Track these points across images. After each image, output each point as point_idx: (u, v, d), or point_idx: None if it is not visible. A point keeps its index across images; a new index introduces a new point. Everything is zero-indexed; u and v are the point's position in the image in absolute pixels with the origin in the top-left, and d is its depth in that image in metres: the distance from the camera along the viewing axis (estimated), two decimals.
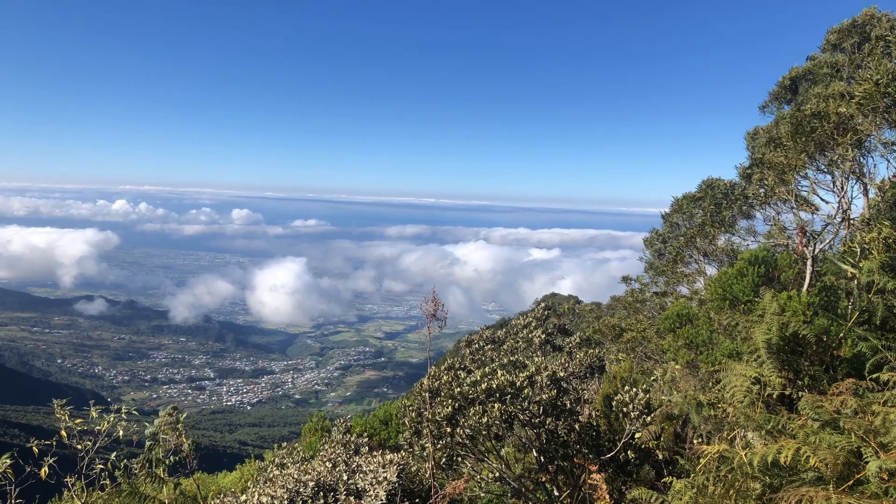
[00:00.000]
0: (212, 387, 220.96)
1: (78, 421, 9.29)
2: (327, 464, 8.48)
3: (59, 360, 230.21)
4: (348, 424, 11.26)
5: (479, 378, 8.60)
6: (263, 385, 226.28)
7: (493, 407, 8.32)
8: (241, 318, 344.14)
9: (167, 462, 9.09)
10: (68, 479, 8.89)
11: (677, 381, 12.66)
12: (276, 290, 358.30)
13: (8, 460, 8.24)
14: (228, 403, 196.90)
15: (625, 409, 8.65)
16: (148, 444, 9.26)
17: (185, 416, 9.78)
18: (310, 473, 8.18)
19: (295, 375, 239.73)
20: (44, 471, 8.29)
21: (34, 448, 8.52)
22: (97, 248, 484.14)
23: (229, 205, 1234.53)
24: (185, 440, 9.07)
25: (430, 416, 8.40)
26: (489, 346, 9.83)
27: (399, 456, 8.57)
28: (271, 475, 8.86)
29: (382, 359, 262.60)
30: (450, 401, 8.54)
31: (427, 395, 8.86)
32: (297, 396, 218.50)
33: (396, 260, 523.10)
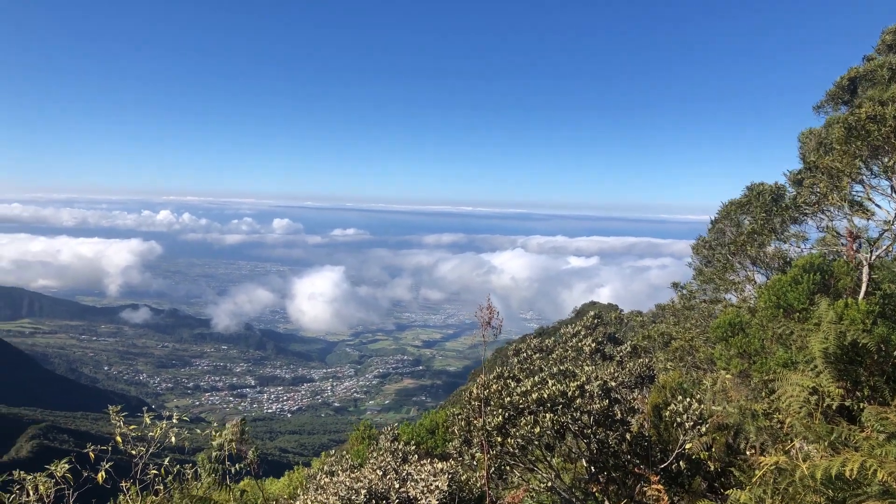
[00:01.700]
0: (253, 394, 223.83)
1: (132, 427, 9.43)
2: (378, 472, 8.51)
3: (105, 368, 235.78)
4: (395, 432, 11.29)
5: (529, 387, 8.55)
6: (303, 393, 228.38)
7: (545, 417, 8.26)
8: (282, 326, 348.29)
9: (233, 469, 9.22)
10: (124, 484, 9.03)
11: (728, 390, 12.43)
12: (315, 299, 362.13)
13: (66, 465, 8.41)
14: (269, 411, 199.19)
15: (678, 420, 8.51)
16: (215, 453, 9.38)
17: (246, 427, 9.94)
18: (361, 481, 8.22)
19: (334, 383, 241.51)
20: (101, 475, 8.44)
21: (90, 453, 8.67)
22: (142, 258, 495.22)
23: (270, 214, 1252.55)
24: (250, 449, 9.21)
25: (480, 426, 8.38)
26: (537, 356, 9.78)
27: (448, 465, 8.56)
28: (322, 482, 8.92)
29: (420, 367, 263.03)
30: (500, 410, 8.51)
31: (477, 404, 8.84)
32: (336, 404, 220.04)
33: (433, 268, 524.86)
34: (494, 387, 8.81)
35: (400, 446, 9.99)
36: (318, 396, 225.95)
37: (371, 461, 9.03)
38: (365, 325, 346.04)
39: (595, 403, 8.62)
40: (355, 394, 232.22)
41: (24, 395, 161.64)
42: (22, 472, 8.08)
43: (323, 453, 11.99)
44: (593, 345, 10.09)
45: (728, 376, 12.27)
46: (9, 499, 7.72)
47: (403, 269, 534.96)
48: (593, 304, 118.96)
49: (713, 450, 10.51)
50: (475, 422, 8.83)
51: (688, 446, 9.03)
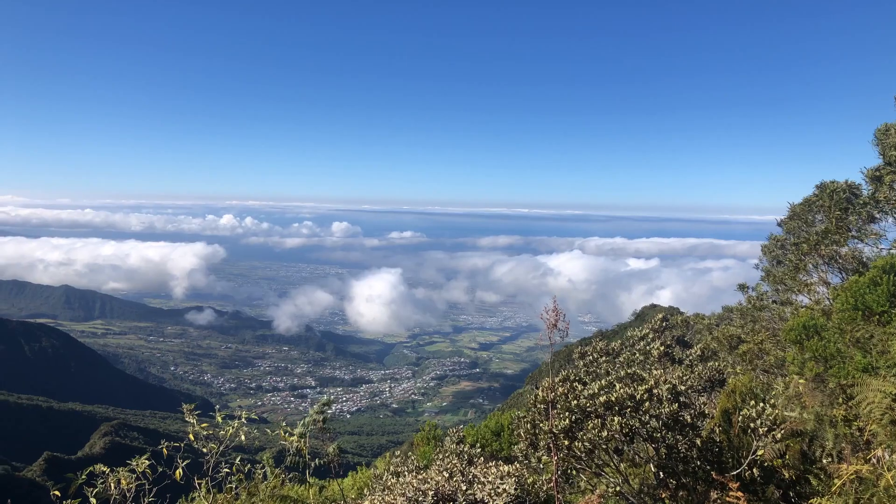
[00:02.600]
0: (313, 395, 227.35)
1: (204, 425, 9.67)
2: (444, 473, 8.52)
3: (172, 368, 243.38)
4: (460, 434, 11.30)
5: (596, 391, 8.44)
6: (362, 394, 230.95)
7: (612, 420, 8.14)
8: (341, 327, 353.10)
9: (312, 465, 9.38)
10: (199, 481, 9.25)
11: (802, 395, 12.00)
12: (373, 301, 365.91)
13: (146, 461, 8.69)
14: (329, 412, 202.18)
15: (751, 425, 8.26)
16: (296, 443, 9.54)
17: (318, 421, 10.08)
18: (428, 483, 8.25)
19: (392, 385, 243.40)
20: (178, 472, 8.69)
21: (164, 450, 8.92)
22: (206, 261, 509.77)
23: (329, 218, 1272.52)
24: (329, 444, 9.35)
25: (548, 429, 8.31)
26: (604, 359, 9.64)
27: (514, 467, 8.52)
28: (389, 483, 8.99)
29: (477, 370, 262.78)
30: (567, 413, 8.42)
31: (543, 406, 8.77)
32: (394, 406, 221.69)
33: (489, 271, 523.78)
34: (561, 390, 8.72)
35: (465, 448, 10.01)
36: (377, 398, 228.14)
37: (437, 463, 9.05)
38: (422, 326, 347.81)
39: (664, 407, 8.45)
40: (413, 395, 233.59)
41: (97, 394, 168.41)
42: (102, 467, 8.42)
43: (387, 454, 12.09)
44: (662, 348, 9.89)
45: (802, 381, 11.84)
46: (92, 492, 8.04)
47: (459, 271, 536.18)
48: (653, 306, 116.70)
49: (787, 457, 10.17)
50: (541, 425, 8.76)
51: (759, 453, 8.77)
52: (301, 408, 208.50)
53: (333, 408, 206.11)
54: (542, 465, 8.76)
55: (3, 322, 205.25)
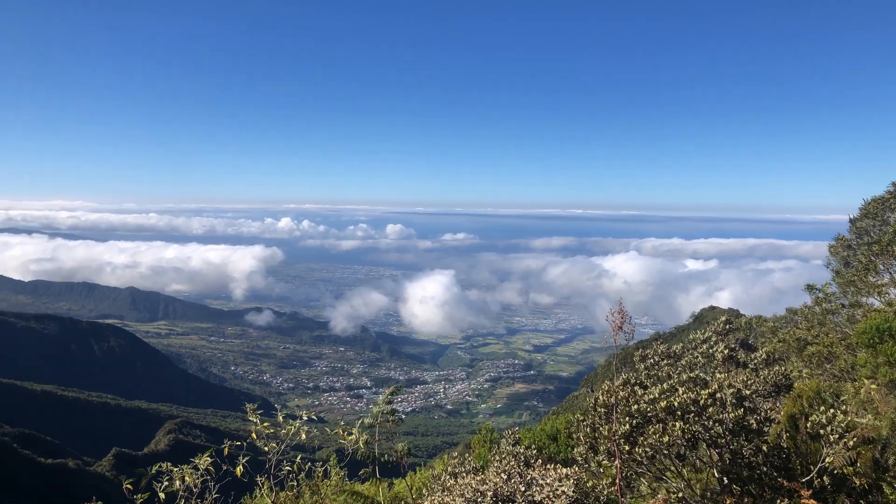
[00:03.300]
0: (368, 395, 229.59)
1: (266, 424, 9.85)
2: (502, 475, 8.49)
3: (232, 368, 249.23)
4: (517, 437, 11.25)
5: (657, 395, 8.27)
6: (417, 394, 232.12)
7: (674, 425, 7.97)
8: (395, 328, 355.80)
9: (381, 459, 9.49)
10: (260, 479, 9.43)
11: (874, 401, 11.52)
12: (427, 302, 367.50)
13: (209, 458, 8.90)
14: (397, 400, 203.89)
15: (821, 431, 7.98)
16: (363, 439, 9.66)
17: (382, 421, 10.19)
18: (487, 484, 8.23)
19: (446, 386, 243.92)
20: (239, 469, 8.87)
21: (226, 449, 9.11)
22: (265, 263, 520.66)
23: (383, 220, 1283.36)
24: (397, 443, 9.45)
25: (608, 433, 8.19)
26: (665, 362, 9.44)
27: (572, 470, 8.42)
28: (447, 484, 9.00)
29: (532, 372, 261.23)
30: (627, 418, 8.29)
31: (603, 410, 8.65)
32: (448, 407, 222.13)
33: (542, 272, 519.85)
34: (621, 394, 8.59)
35: (522, 450, 9.95)
36: (431, 398, 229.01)
37: (495, 464, 9.02)
38: (475, 328, 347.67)
39: (728, 412, 8.23)
40: (467, 397, 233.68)
41: (161, 392, 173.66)
42: (168, 464, 8.69)
43: (445, 455, 12.13)
44: (726, 351, 9.64)
45: (874, 386, 11.37)
46: (161, 487, 8.29)
47: (512, 272, 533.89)
48: (712, 308, 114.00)
49: (858, 465, 9.80)
50: (601, 429, 8.64)
51: (829, 460, 8.47)
52: (357, 408, 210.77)
53: (388, 408, 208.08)
54: (601, 470, 8.65)
55: (74, 322, 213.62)
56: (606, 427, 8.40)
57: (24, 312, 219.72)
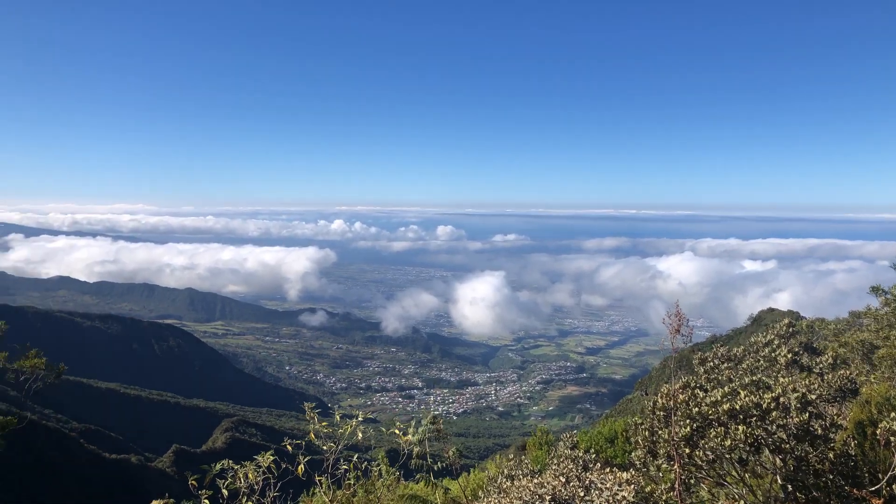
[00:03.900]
0: (420, 396, 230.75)
1: (323, 423, 10.03)
2: (560, 478, 8.46)
3: (287, 367, 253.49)
4: (574, 440, 11.19)
5: (718, 398, 8.13)
6: (468, 396, 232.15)
7: (736, 430, 7.83)
8: (446, 329, 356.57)
9: (435, 467, 9.59)
10: (318, 478, 9.61)
11: None
12: (477, 304, 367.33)
13: (270, 457, 9.14)
14: (435, 413, 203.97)
15: (892, 439, 7.72)
16: (416, 450, 9.81)
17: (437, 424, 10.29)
18: (545, 487, 8.22)
19: (497, 388, 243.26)
20: (300, 468, 9.08)
21: (287, 447, 9.31)
22: (318, 265, 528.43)
23: (434, 222, 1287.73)
24: (449, 448, 9.53)
25: (668, 437, 8.09)
26: (726, 365, 9.26)
27: (631, 475, 8.35)
28: (504, 486, 9.03)
29: (584, 374, 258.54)
30: (687, 421, 8.17)
31: (662, 413, 8.55)
32: (500, 409, 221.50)
33: (595, 273, 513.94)
34: (681, 397, 8.47)
35: (580, 454, 9.90)
36: (482, 400, 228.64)
37: (552, 467, 9.01)
38: (527, 330, 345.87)
39: (792, 417, 8.04)
40: (518, 399, 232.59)
41: (218, 391, 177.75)
42: (230, 461, 8.95)
43: (499, 456, 12.16)
44: (789, 355, 9.41)
45: None
46: (224, 484, 8.56)
47: (564, 274, 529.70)
48: (771, 310, 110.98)
49: None
50: (660, 432, 8.54)
51: None
52: (409, 408, 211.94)
53: (440, 409, 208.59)
54: (660, 474, 8.53)
55: (136, 322, 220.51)
56: (666, 430, 8.30)
57: (89, 312, 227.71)
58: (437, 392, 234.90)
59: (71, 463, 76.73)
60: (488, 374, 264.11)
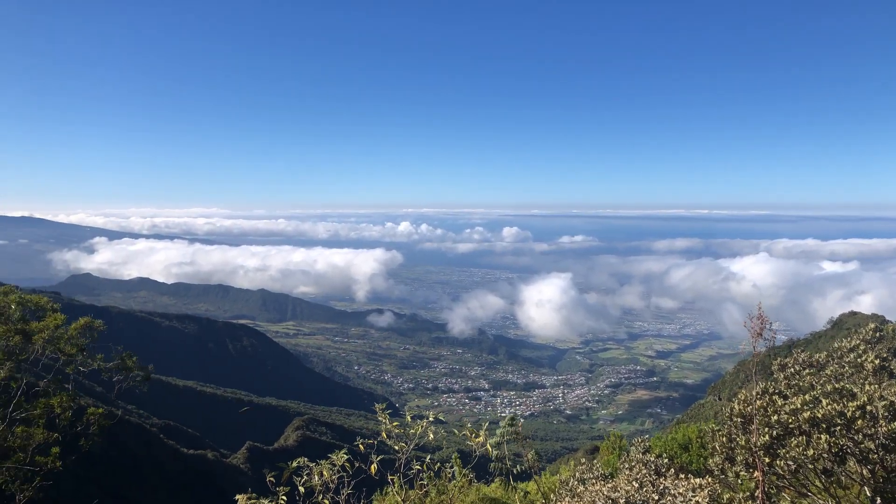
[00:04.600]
0: (486, 397, 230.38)
1: (395, 423, 10.17)
2: (634, 483, 8.39)
3: (355, 367, 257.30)
4: (647, 445, 11.03)
5: (800, 406, 7.89)
6: (535, 398, 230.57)
7: (819, 438, 7.58)
8: (512, 331, 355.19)
9: (515, 469, 9.65)
10: (391, 477, 9.76)
11: None
12: (543, 306, 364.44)
13: (344, 455, 9.34)
14: (502, 415, 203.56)
15: None
16: (494, 453, 9.89)
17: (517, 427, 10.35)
18: (618, 491, 8.17)
19: (565, 391, 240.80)
20: (373, 468, 9.24)
21: (360, 447, 9.48)
22: (385, 266, 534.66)
23: (499, 223, 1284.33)
24: (528, 450, 9.57)
25: (746, 444, 7.90)
26: (807, 371, 8.95)
27: (706, 481, 8.19)
28: (577, 490, 9.00)
29: (654, 378, 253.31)
30: (766, 429, 7.96)
31: (740, 420, 8.36)
32: (567, 412, 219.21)
33: (665, 275, 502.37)
34: (759, 403, 8.26)
35: (652, 459, 9.76)
36: (550, 403, 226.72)
37: (625, 472, 8.92)
38: (595, 333, 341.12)
39: (881, 426, 7.73)
40: (587, 402, 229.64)
41: (289, 390, 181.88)
42: (306, 459, 9.19)
43: (570, 460, 12.09)
44: (877, 361, 9.02)
45: None
46: (301, 481, 8.81)
47: (633, 276, 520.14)
48: (853, 314, 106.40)
49: None
50: (738, 439, 8.35)
51: None
52: (475, 410, 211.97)
53: (507, 411, 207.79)
54: (739, 482, 8.32)
55: (211, 322, 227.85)
56: (744, 437, 8.10)
57: (167, 313, 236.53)
58: (504, 394, 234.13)
59: (152, 457, 79.95)
60: (555, 377, 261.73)
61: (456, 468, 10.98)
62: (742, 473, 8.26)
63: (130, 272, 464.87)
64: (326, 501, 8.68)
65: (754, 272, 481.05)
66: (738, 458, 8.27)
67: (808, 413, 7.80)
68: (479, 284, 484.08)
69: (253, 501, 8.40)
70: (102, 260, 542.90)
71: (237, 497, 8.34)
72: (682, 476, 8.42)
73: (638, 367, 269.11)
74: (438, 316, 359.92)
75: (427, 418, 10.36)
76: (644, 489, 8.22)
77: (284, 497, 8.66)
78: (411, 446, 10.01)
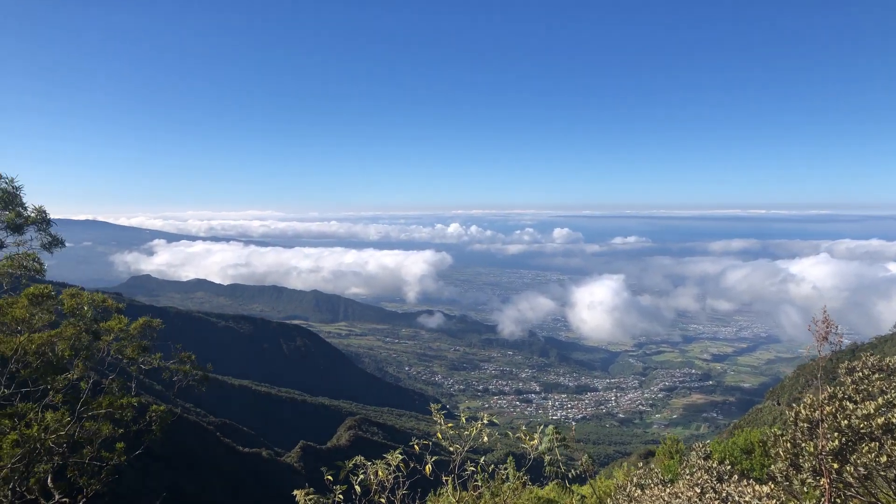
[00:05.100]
0: (538, 400, 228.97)
1: (450, 424, 10.16)
2: (695, 489, 8.19)
3: (406, 368, 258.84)
4: (707, 450, 10.78)
5: (872, 411, 7.59)
6: (587, 402, 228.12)
7: (894, 445, 7.27)
8: (563, 334, 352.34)
9: (570, 474, 9.58)
10: (445, 478, 9.76)
11: None
12: (595, 308, 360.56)
13: (399, 455, 9.38)
14: (554, 417, 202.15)
15: None
16: (547, 457, 9.84)
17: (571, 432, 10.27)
18: (679, 497, 7.99)
19: (618, 394, 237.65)
20: (427, 468, 9.26)
21: (415, 447, 9.50)
22: (435, 268, 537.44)
23: (550, 224, 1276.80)
24: (582, 454, 9.48)
25: (812, 450, 7.63)
26: (877, 376, 8.60)
27: (771, 488, 7.94)
28: (634, 495, 8.84)
29: (710, 382, 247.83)
30: (835, 434, 7.67)
31: (806, 425, 8.08)
32: (620, 415, 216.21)
33: (721, 277, 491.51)
34: (827, 408, 7.96)
35: (713, 464, 9.51)
36: (602, 406, 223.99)
37: (686, 477, 8.71)
38: (648, 335, 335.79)
39: None
40: (640, 406, 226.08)
41: (341, 390, 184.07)
42: (362, 459, 9.27)
43: (625, 464, 11.92)
44: None
45: None
46: (357, 480, 8.89)
47: (688, 277, 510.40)
48: None
49: None
50: (804, 445, 8.07)
51: None
52: (527, 412, 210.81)
53: (558, 414, 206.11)
54: (805, 489, 8.04)
55: (265, 323, 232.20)
56: (811, 443, 7.82)
57: (223, 313, 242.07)
58: (555, 397, 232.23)
59: (208, 454, 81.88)
60: (608, 380, 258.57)
61: (510, 470, 10.92)
62: (808, 480, 7.98)
63: (188, 273, 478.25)
64: (382, 501, 8.73)
65: (815, 273, 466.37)
66: (805, 465, 7.99)
67: (882, 418, 7.49)
68: (530, 286, 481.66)
69: (311, 498, 8.51)
70: (161, 261, 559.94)
71: (295, 492, 8.46)
72: (746, 482, 8.19)
73: (693, 371, 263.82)
74: (488, 317, 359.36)
75: (481, 420, 10.33)
76: (706, 495, 8.02)
77: (341, 496, 8.76)
78: (465, 447, 10.00)
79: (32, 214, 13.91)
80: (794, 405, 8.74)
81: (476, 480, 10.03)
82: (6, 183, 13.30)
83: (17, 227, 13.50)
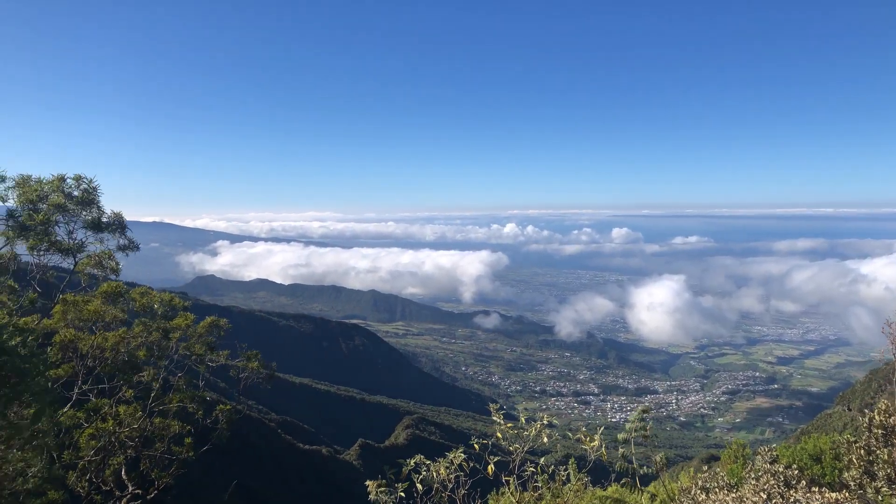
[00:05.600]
0: (596, 402, 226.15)
1: (509, 425, 10.20)
2: (761, 494, 8.04)
3: (463, 368, 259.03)
4: (774, 454, 10.51)
5: None
6: (647, 404, 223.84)
7: None
8: (622, 335, 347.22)
9: (641, 470, 9.55)
10: (506, 479, 9.81)
11: None
12: (655, 309, 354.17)
13: (461, 455, 9.49)
14: (613, 420, 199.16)
15: None
16: (621, 451, 9.85)
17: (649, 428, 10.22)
18: (744, 502, 7.85)
19: (679, 397, 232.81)
20: (490, 468, 9.33)
21: (475, 447, 9.59)
22: (491, 268, 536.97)
23: (608, 224, 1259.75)
24: (657, 453, 9.44)
25: (888, 457, 7.39)
26: None
27: (843, 496, 7.72)
28: (699, 499, 8.71)
29: (775, 386, 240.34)
30: None
31: (881, 432, 7.82)
32: (681, 419, 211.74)
33: (786, 277, 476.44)
34: None
35: (781, 469, 9.29)
36: (663, 409, 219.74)
37: (751, 482, 8.54)
38: (710, 337, 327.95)
39: None
40: (702, 409, 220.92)
41: (399, 389, 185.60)
42: (423, 457, 9.41)
43: (690, 468, 11.73)
44: None
45: None
46: (419, 478, 9.04)
47: (751, 278, 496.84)
48: None
49: None
50: (879, 452, 7.82)
51: None
52: (585, 414, 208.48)
53: (617, 416, 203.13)
54: (880, 497, 7.77)
55: (325, 322, 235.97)
56: (886, 451, 7.57)
57: (284, 312, 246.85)
58: (614, 399, 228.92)
59: (270, 450, 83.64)
60: (668, 383, 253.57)
61: (571, 471, 10.91)
62: (883, 489, 7.72)
63: (250, 273, 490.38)
64: (444, 499, 8.86)
65: (887, 274, 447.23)
66: (880, 473, 7.73)
67: None
68: (587, 287, 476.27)
69: (383, 489, 8.74)
70: (225, 262, 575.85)
71: (367, 483, 8.69)
72: (816, 489, 7.98)
73: (757, 374, 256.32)
74: (545, 318, 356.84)
75: (541, 421, 10.34)
76: (773, 501, 7.86)
77: (402, 493, 8.93)
78: (525, 448, 10.03)
79: (109, 219, 14.53)
80: (867, 411, 8.47)
81: (536, 481, 10.05)
82: (85, 184, 13.93)
83: (95, 226, 14.12)
